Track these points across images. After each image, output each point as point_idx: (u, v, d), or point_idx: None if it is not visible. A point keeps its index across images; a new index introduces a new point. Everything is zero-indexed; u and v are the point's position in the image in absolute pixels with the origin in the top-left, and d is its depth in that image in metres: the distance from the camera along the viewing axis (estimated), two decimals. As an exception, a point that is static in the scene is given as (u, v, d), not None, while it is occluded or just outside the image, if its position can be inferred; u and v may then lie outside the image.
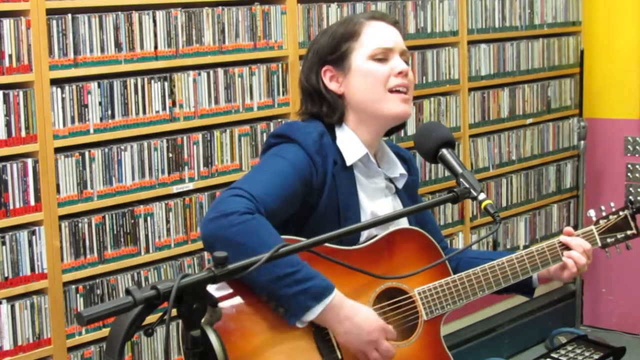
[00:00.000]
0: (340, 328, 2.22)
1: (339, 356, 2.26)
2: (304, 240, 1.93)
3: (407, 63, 2.46)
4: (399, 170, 2.53)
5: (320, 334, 2.26)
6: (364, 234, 2.40)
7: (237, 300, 2.21)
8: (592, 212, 2.63)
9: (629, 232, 2.63)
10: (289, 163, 2.32)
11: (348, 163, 2.41)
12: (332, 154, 2.39)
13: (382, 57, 2.42)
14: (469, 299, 2.44)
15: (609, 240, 2.61)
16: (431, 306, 2.39)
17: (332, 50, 2.44)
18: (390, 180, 2.54)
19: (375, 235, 2.40)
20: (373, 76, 2.41)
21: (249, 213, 2.18)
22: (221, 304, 2.06)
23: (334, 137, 2.44)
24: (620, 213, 2.63)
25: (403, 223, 2.50)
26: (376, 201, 2.47)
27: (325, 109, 2.45)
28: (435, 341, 2.42)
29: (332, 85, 2.45)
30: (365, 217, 2.43)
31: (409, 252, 2.43)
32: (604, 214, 2.63)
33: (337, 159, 2.41)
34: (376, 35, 2.44)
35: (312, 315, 2.19)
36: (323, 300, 2.19)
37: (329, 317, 2.21)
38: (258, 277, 2.15)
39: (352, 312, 2.23)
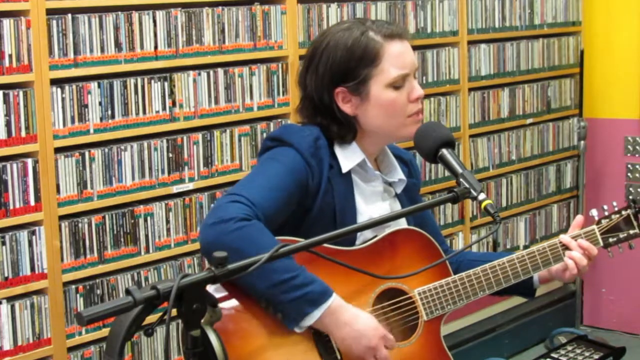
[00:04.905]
0: (339, 333, 2.22)
1: (339, 358, 2.26)
2: (302, 241, 1.93)
3: (415, 76, 2.45)
4: (398, 175, 2.52)
5: (320, 335, 2.25)
6: (360, 238, 2.40)
7: (237, 301, 2.21)
8: (594, 212, 2.62)
9: (631, 232, 2.62)
10: (285, 167, 2.32)
11: (344, 170, 2.40)
12: (328, 158, 2.38)
13: (400, 84, 2.40)
14: (470, 299, 2.43)
15: (611, 239, 2.60)
16: (431, 306, 2.39)
17: (350, 75, 2.38)
18: (390, 184, 2.53)
19: (371, 239, 2.39)
20: (393, 107, 2.39)
21: (247, 219, 2.18)
22: (221, 305, 2.06)
23: (331, 142, 2.43)
24: (623, 212, 2.61)
25: (402, 225, 2.50)
26: (373, 205, 2.46)
27: (336, 129, 2.41)
28: (436, 341, 2.42)
29: (346, 107, 2.41)
30: (362, 220, 2.42)
31: (409, 252, 2.42)
32: (606, 213, 2.62)
33: (333, 163, 2.40)
34: (396, 61, 2.38)
35: (310, 320, 2.19)
36: (321, 306, 2.18)
37: (327, 322, 2.20)
38: (256, 283, 2.15)
39: (352, 317, 2.22)
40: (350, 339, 2.22)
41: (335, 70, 2.39)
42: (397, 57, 2.39)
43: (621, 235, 2.61)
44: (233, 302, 2.20)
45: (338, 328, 2.21)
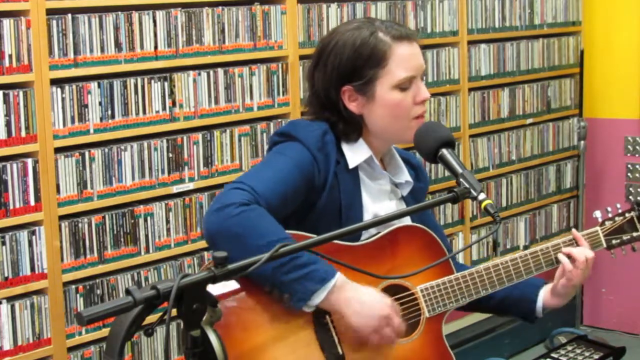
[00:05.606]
0: (349, 309, 2.23)
1: (340, 350, 2.27)
2: (309, 235, 1.93)
3: (422, 78, 2.45)
4: (404, 176, 2.52)
5: (321, 328, 2.26)
6: (365, 233, 2.40)
7: (237, 295, 2.21)
8: (597, 213, 2.62)
9: (634, 234, 2.62)
10: (291, 160, 2.33)
11: (351, 166, 2.41)
12: (335, 153, 2.39)
13: (406, 86, 2.40)
14: (472, 297, 2.43)
15: (614, 241, 2.60)
16: (433, 303, 2.39)
17: (356, 75, 2.39)
18: (397, 185, 2.54)
19: (375, 234, 2.40)
20: (398, 108, 2.39)
21: (246, 204, 2.19)
22: (221, 300, 2.06)
23: (338, 138, 2.43)
24: (627, 214, 2.61)
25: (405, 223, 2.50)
26: (380, 203, 2.47)
27: (342, 126, 2.42)
28: (437, 338, 2.42)
29: (352, 106, 2.42)
30: (368, 218, 2.42)
31: (412, 249, 2.43)
32: (609, 215, 2.62)
33: (340, 159, 2.41)
34: (403, 63, 2.39)
35: (318, 298, 2.20)
36: (327, 283, 2.19)
37: (335, 300, 2.21)
38: (260, 266, 2.15)
39: (358, 292, 2.23)
40: (361, 313, 2.23)
41: (342, 69, 2.40)
42: (405, 59, 2.39)
43: (624, 237, 2.61)
44: (233, 296, 2.20)
45: (348, 305, 2.22)
